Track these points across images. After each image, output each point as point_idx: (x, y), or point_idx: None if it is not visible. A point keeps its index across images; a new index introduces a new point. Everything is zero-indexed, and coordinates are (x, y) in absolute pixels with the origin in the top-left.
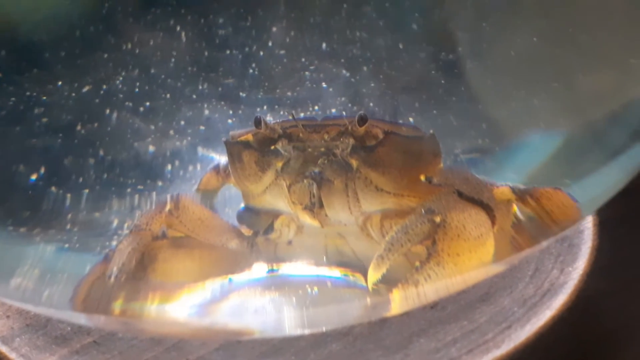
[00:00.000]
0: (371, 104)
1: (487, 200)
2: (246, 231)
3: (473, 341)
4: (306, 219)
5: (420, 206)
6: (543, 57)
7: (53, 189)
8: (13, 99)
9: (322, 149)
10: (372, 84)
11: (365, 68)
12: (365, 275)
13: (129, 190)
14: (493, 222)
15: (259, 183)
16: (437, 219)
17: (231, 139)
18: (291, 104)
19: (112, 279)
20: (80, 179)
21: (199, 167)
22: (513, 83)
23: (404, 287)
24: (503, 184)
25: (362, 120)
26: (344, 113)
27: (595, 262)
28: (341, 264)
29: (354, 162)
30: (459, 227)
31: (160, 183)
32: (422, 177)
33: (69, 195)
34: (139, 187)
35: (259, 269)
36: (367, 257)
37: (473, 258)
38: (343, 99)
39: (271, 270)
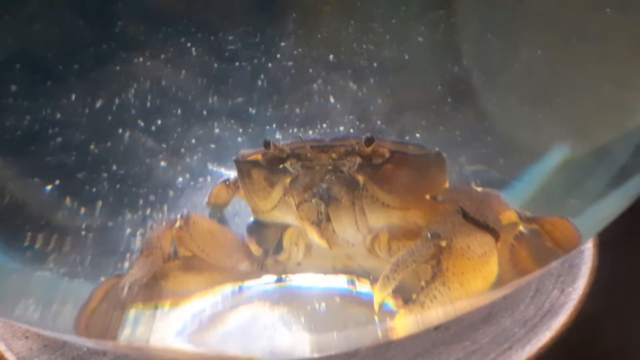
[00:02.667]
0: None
1: (492, 222)
2: (255, 249)
3: None
4: (314, 235)
5: (426, 229)
6: (547, 72)
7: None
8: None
9: (330, 167)
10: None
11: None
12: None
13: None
14: (496, 241)
15: (267, 199)
16: (443, 244)
17: (241, 157)
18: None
19: (125, 295)
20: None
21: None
22: (518, 99)
23: (410, 309)
24: (508, 207)
25: (369, 141)
26: (351, 131)
27: (595, 283)
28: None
29: (361, 179)
30: (463, 247)
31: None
32: (427, 197)
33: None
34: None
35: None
36: (375, 272)
37: (478, 277)
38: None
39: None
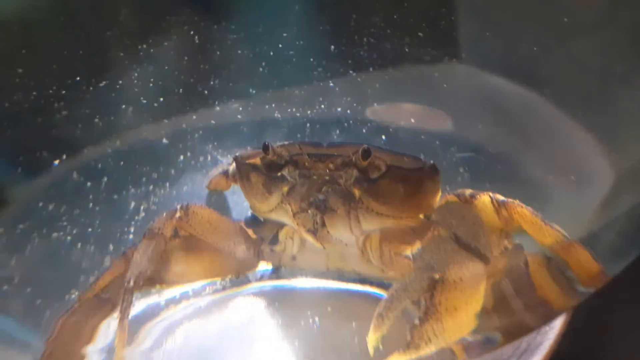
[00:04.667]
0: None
1: (483, 247)
2: (252, 234)
3: None
4: (309, 238)
5: (419, 259)
6: None
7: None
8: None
9: (327, 177)
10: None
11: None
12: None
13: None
14: (486, 265)
15: (265, 203)
16: (437, 277)
17: (240, 158)
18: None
19: (131, 284)
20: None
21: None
22: None
23: (405, 354)
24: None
25: (366, 153)
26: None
27: (572, 323)
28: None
29: (357, 192)
30: (456, 281)
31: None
32: (422, 216)
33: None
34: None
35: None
36: (368, 275)
37: (470, 311)
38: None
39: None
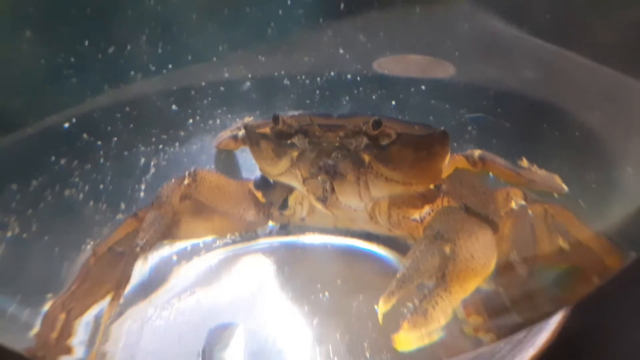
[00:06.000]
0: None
1: (492, 214)
2: (261, 197)
3: None
4: (318, 206)
5: (428, 228)
6: None
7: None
8: None
9: (337, 144)
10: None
11: None
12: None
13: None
14: (495, 233)
15: (275, 167)
16: (447, 249)
17: (250, 127)
18: None
19: (139, 250)
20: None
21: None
22: None
23: (413, 320)
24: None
25: (377, 124)
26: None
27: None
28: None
29: (367, 158)
30: (467, 258)
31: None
32: (432, 186)
33: None
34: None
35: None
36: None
37: (479, 280)
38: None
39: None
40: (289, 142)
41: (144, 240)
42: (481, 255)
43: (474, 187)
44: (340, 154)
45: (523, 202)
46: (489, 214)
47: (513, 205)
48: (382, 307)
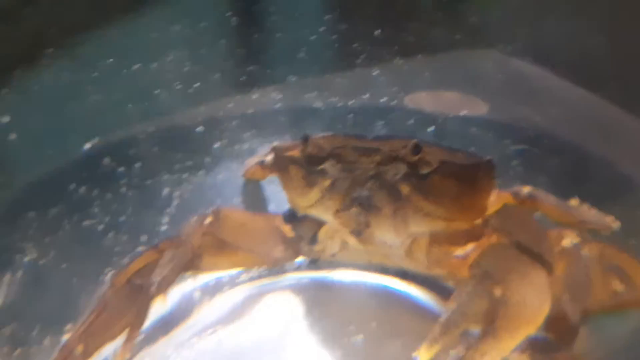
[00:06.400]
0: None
1: (546, 253)
2: (289, 231)
3: None
4: (351, 241)
5: (475, 266)
6: None
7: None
8: None
9: (372, 172)
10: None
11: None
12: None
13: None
14: (550, 275)
15: (305, 197)
16: (497, 292)
17: (279, 150)
18: None
19: (154, 289)
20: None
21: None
22: None
23: None
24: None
25: (416, 148)
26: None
27: None
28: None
29: (405, 189)
30: (519, 303)
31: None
32: (479, 221)
33: None
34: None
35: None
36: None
37: (530, 329)
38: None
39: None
40: (319, 168)
41: (161, 277)
42: (535, 299)
43: (525, 223)
44: (376, 184)
45: (576, 241)
46: (542, 253)
47: (565, 243)
48: (423, 356)
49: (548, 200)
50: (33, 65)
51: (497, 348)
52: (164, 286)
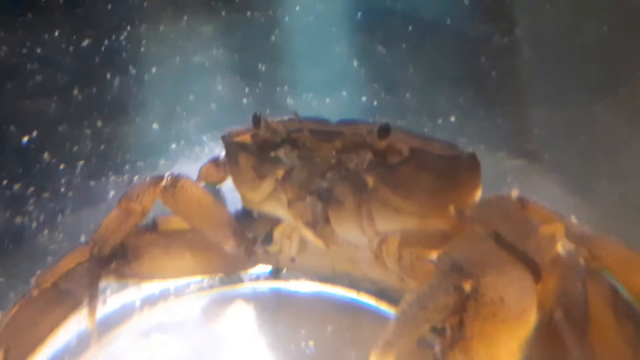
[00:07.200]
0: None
1: (533, 250)
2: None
3: None
4: (308, 235)
5: (444, 256)
6: None
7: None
8: None
9: (333, 161)
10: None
11: None
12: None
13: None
14: (537, 281)
15: (255, 191)
16: (467, 286)
17: (228, 136)
18: None
19: (96, 252)
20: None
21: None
22: None
23: None
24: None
25: (384, 131)
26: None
27: None
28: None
29: (370, 180)
30: (495, 302)
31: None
32: (452, 212)
33: None
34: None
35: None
36: (381, 281)
37: (511, 345)
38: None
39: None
40: (273, 155)
41: (104, 239)
42: (515, 302)
43: (508, 214)
44: (337, 174)
45: (571, 247)
46: (528, 251)
47: (559, 248)
48: None
49: (541, 205)
50: None
51: None
52: (108, 248)
